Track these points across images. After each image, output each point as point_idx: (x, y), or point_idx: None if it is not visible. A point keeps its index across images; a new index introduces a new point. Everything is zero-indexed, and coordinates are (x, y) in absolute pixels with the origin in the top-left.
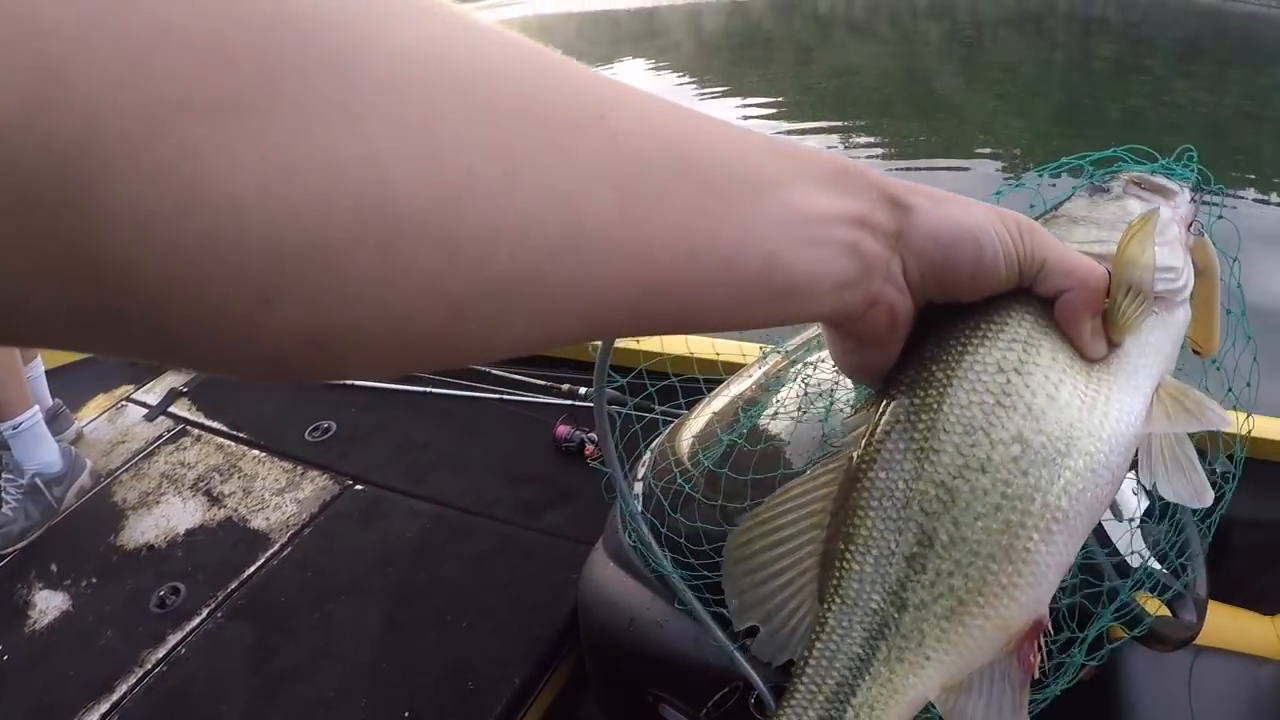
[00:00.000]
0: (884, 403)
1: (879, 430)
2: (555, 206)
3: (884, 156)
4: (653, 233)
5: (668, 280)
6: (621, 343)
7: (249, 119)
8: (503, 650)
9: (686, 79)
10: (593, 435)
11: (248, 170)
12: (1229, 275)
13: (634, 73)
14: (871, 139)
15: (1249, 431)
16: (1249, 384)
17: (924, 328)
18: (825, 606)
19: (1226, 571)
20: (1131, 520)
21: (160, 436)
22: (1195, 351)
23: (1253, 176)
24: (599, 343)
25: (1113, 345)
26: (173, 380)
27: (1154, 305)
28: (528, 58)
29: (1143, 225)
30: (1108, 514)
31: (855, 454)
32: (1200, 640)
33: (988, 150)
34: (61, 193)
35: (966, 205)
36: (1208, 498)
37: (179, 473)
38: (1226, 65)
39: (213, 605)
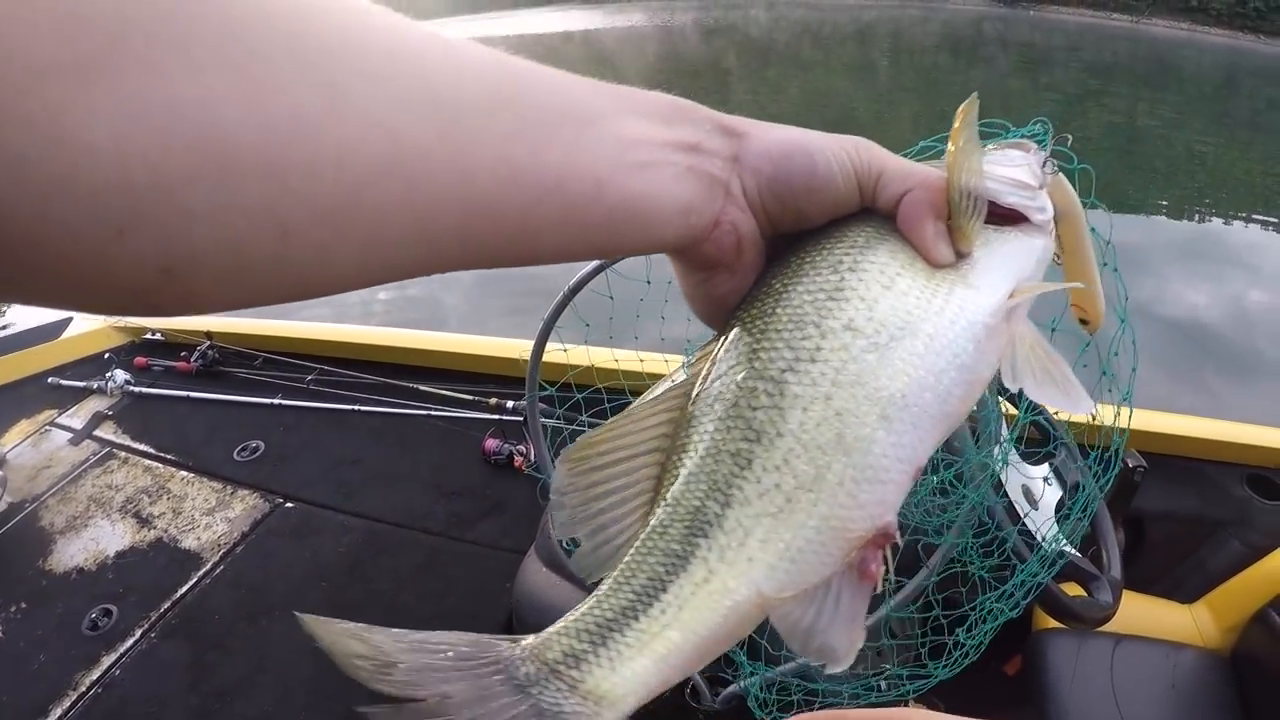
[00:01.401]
0: (728, 323)
1: (719, 346)
2: (376, 133)
3: None
4: (475, 157)
5: (495, 201)
6: (549, 356)
7: (102, 76)
8: None
9: None
10: (520, 448)
11: (102, 120)
12: (1100, 258)
13: None
14: None
15: (1126, 423)
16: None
17: (772, 260)
18: (650, 510)
19: (1144, 563)
20: (1051, 504)
21: (86, 460)
22: (1082, 321)
23: (1164, 192)
24: (529, 353)
25: (962, 255)
26: (97, 404)
27: (1019, 229)
28: (354, 6)
29: (961, 121)
30: (1025, 504)
31: (698, 373)
32: (1121, 629)
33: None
34: None
35: (800, 129)
36: (1085, 405)
37: (107, 495)
38: (1141, 86)
39: (146, 625)
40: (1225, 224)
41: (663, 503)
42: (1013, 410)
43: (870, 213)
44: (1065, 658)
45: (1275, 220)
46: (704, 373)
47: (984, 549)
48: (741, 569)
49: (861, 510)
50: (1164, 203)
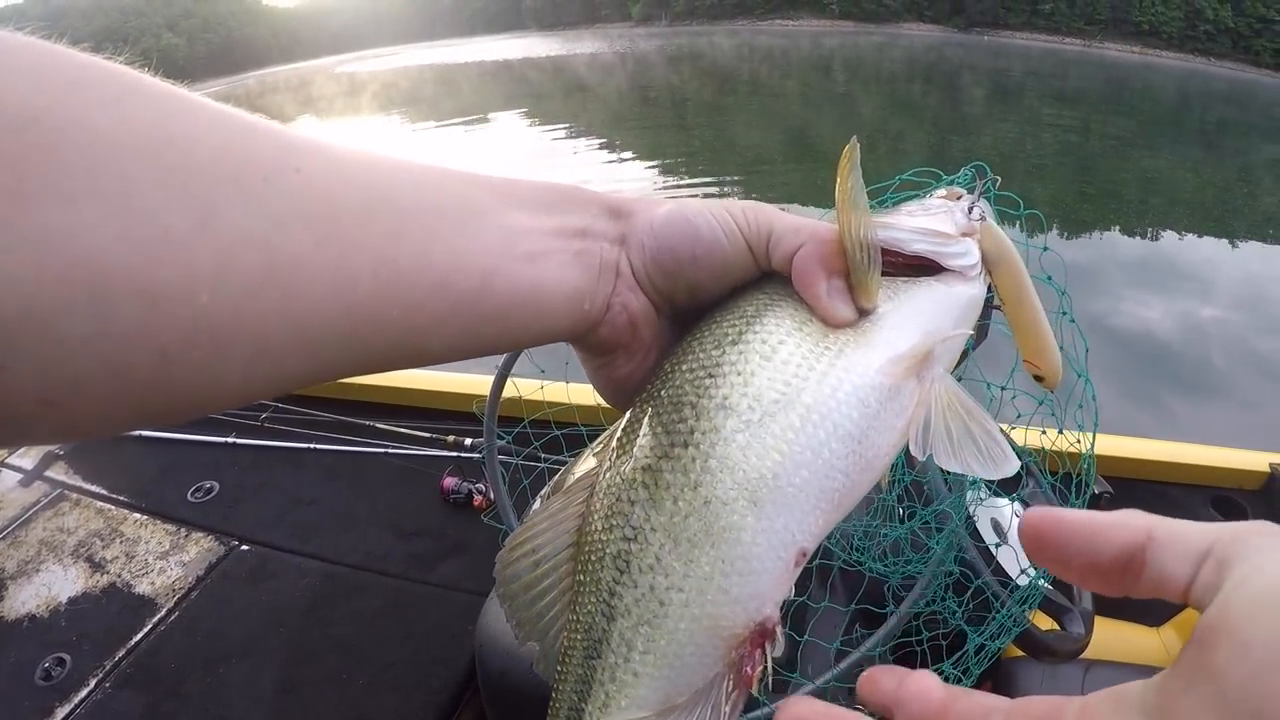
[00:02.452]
0: (630, 407)
1: (615, 433)
2: (251, 249)
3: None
4: (354, 263)
5: (378, 305)
6: (507, 394)
7: None
8: (401, 705)
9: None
10: (480, 486)
11: None
12: (1058, 307)
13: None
14: (745, 185)
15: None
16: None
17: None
18: (564, 624)
19: None
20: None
21: (37, 502)
22: (1037, 378)
23: (1118, 211)
24: (486, 389)
25: (865, 311)
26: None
27: (936, 279)
28: (226, 122)
29: (843, 169)
30: (994, 536)
31: (600, 462)
32: (1092, 654)
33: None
34: None
35: (688, 200)
36: (1009, 466)
37: (58, 539)
38: (1096, 107)
39: (100, 675)
40: (1178, 242)
41: (569, 616)
42: None
43: (772, 278)
44: (1036, 685)
45: (1226, 238)
46: (603, 463)
47: (958, 594)
48: (629, 685)
49: (735, 605)
50: (1117, 222)
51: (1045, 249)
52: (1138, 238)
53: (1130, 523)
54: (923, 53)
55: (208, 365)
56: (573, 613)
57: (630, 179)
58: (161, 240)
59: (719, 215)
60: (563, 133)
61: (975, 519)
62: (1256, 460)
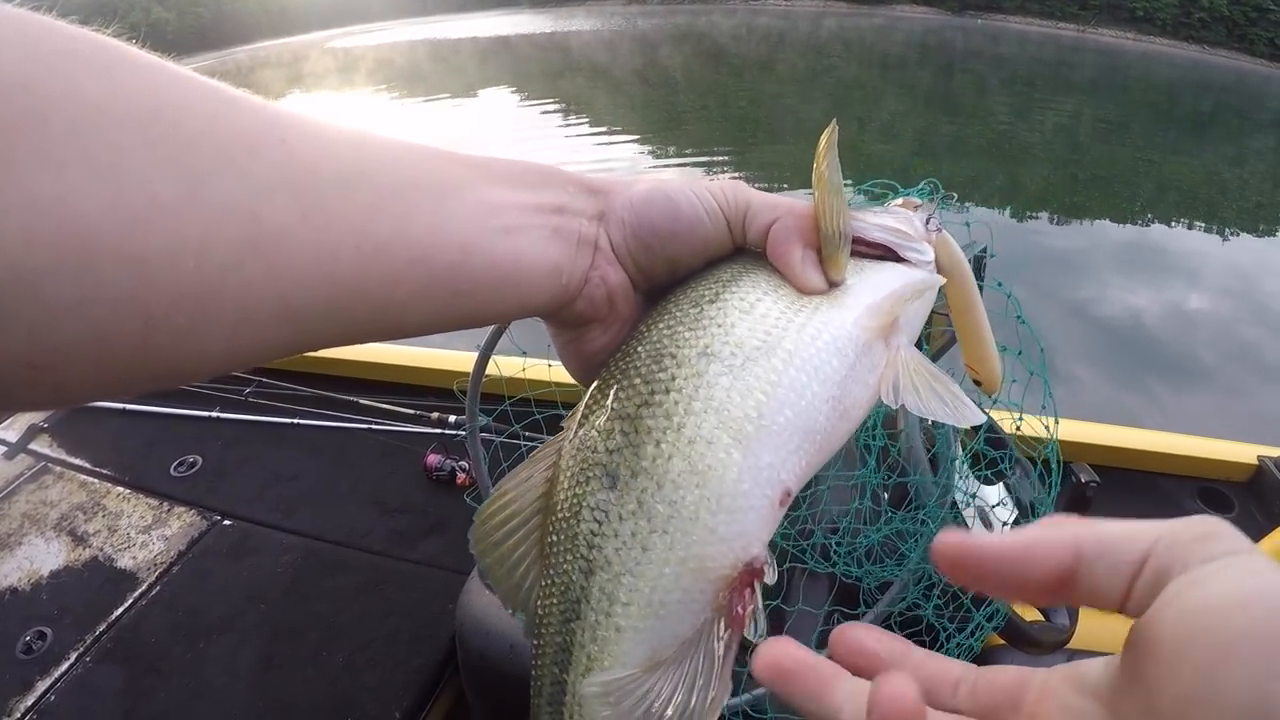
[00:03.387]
0: (600, 375)
1: (586, 396)
2: (237, 219)
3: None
4: (337, 235)
5: (358, 276)
6: (490, 373)
7: None
8: (381, 683)
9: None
10: (463, 464)
11: None
12: (1005, 312)
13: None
14: (736, 166)
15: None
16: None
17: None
18: (537, 592)
19: None
20: (1005, 525)
21: (20, 475)
22: (976, 382)
23: (1106, 199)
24: (470, 366)
25: (835, 284)
26: (32, 416)
27: (898, 265)
28: (213, 94)
29: (822, 148)
30: (978, 523)
31: (568, 425)
32: (1074, 644)
33: (849, 181)
34: None
35: (665, 178)
36: (974, 416)
37: (41, 512)
38: (1088, 94)
39: (81, 649)
40: (1167, 230)
41: (542, 580)
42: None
43: (743, 253)
44: None
45: (1216, 228)
46: (572, 425)
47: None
48: (613, 644)
49: (722, 544)
50: (1108, 209)
51: (975, 235)
52: (1127, 225)
53: (1054, 541)
54: (921, 35)
55: (192, 332)
56: (545, 577)
57: (621, 158)
58: (149, 208)
59: (699, 192)
60: (554, 109)
61: (960, 507)
62: (1244, 452)
